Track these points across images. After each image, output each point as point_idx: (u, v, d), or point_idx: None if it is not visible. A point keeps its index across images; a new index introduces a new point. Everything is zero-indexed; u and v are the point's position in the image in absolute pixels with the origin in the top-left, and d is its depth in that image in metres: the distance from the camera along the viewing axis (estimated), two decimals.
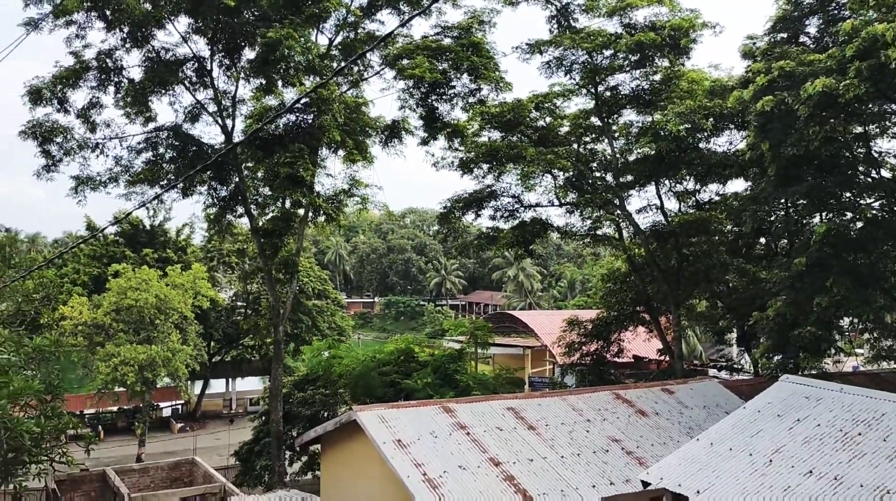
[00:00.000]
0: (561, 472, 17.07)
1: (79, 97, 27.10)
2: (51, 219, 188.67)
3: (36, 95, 25.86)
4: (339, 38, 29.18)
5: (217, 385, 59.48)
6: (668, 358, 31.98)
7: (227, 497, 25.68)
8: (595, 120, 30.28)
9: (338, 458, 21.13)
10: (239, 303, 57.55)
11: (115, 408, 50.61)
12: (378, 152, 38.62)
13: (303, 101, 26.23)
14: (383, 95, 35.78)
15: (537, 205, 30.85)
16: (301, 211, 29.53)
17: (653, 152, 27.24)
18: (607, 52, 28.07)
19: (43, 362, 21.71)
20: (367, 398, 27.66)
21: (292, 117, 27.84)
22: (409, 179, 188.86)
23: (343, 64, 28.31)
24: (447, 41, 28.38)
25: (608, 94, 29.44)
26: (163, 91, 28.15)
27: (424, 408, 19.59)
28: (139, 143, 28.69)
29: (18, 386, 18.66)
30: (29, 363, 21.03)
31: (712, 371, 39.17)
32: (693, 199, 31.37)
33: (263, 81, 27.40)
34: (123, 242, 56.13)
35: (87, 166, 28.05)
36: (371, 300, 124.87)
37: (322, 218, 30.34)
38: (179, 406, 56.39)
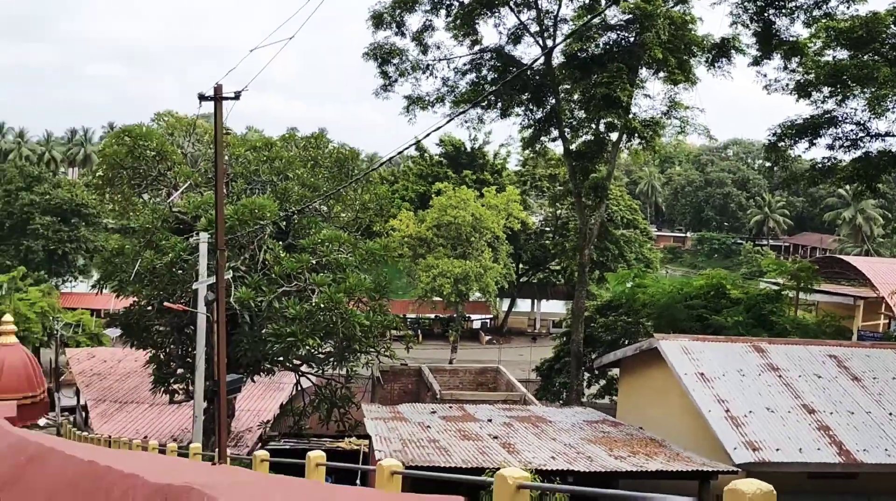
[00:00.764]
0: (888, 430, 15.16)
1: (413, 21, 28.92)
2: (386, 140, 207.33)
3: (377, 20, 28.10)
4: None
5: (523, 305, 62.04)
6: None
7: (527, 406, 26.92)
8: None
9: (635, 385, 20.94)
10: (547, 228, 58.96)
11: (432, 316, 55.30)
12: (702, 73, 36.35)
13: (624, 18, 25.29)
14: (713, 9, 33.07)
15: (887, 134, 26.85)
16: (614, 136, 28.92)
17: None
18: None
19: (374, 264, 24.10)
20: (671, 329, 26.86)
21: (612, 36, 27.08)
22: (733, 107, 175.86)
23: None
24: None
25: None
26: (489, 13, 28.92)
27: (732, 344, 18.53)
28: (464, 64, 30.04)
29: (353, 283, 20.94)
30: (362, 263, 23.41)
31: None
32: None
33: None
34: (446, 163, 60.07)
35: (417, 87, 30.09)
36: (682, 235, 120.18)
37: (636, 143, 29.47)
38: (488, 320, 60.05)
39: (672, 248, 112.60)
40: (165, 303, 19.31)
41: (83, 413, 29.78)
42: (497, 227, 46.48)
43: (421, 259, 45.56)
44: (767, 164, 31.17)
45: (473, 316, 57.92)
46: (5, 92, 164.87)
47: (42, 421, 28.85)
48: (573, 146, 29.75)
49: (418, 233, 46.34)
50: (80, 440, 19.84)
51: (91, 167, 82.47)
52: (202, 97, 15.30)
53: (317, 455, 8.13)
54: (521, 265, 57.95)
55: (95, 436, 20.82)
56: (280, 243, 21.68)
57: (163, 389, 22.89)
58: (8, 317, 32.51)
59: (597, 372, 29.96)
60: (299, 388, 24.05)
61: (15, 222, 52.05)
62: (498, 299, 53.93)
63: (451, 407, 20.62)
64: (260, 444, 23.25)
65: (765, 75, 27.84)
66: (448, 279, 43.07)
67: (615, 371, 26.20)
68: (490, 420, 18.39)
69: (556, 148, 33.96)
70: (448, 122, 32.99)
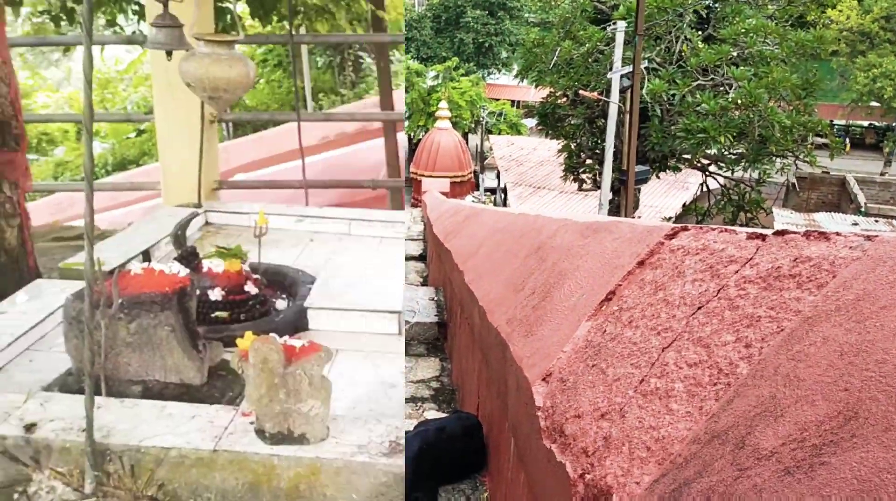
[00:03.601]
0: None
1: None
2: None
3: None
4: None
5: None
6: None
7: None
8: None
9: None
10: None
11: (865, 123, 48.69)
12: None
13: None
14: None
15: None
16: None
17: None
18: None
19: (803, 59, 21.64)
20: None
21: None
22: None
23: None
24: None
25: None
26: None
27: None
28: None
29: (776, 78, 19.16)
30: (790, 57, 21.15)
31: None
32: None
33: None
34: None
35: None
36: None
37: None
38: None
39: None
40: (580, 91, 19.82)
41: (503, 195, 33.02)
42: None
43: (860, 57, 39.67)
44: None
45: None
46: None
47: (468, 199, 32.69)
48: None
49: (860, 26, 40.05)
50: None
51: None
52: None
53: None
54: None
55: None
56: (699, 33, 20.47)
57: (572, 177, 24.10)
58: (443, 104, 36.61)
59: None
60: (705, 188, 23.47)
61: (450, 15, 56.73)
62: None
63: (876, 221, 18.54)
64: None
65: None
66: (892, 81, 37.16)
67: None
68: None
69: None
70: None
